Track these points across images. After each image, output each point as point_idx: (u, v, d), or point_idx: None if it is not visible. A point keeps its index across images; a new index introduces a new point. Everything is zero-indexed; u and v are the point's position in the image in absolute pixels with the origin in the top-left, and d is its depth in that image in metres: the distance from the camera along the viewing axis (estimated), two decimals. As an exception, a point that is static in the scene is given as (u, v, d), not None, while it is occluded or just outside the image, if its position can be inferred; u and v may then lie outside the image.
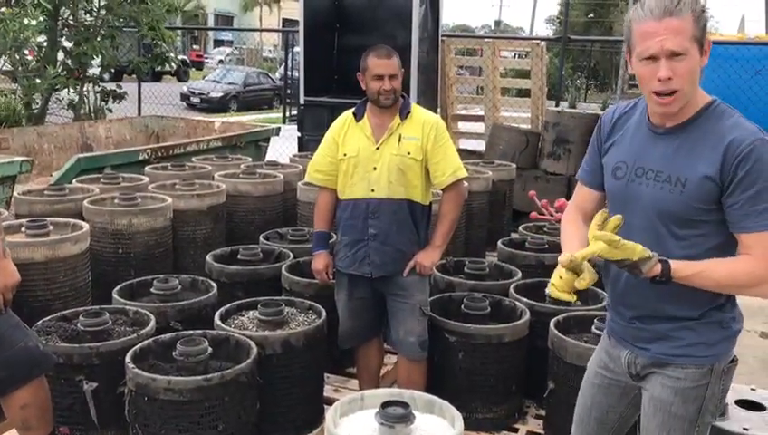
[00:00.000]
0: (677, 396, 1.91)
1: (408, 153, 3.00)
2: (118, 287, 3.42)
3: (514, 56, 12.50)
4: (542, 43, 8.20)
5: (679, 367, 1.91)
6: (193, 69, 30.32)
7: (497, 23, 47.20)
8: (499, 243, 4.37)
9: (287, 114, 16.28)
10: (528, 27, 40.85)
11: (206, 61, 34.87)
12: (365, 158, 3.03)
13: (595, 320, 3.12)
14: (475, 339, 3.18)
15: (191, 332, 2.93)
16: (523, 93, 9.47)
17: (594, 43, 27.31)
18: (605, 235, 1.70)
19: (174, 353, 2.72)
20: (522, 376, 3.34)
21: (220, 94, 21.14)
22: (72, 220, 3.87)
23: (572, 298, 1.80)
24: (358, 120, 3.08)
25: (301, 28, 7.27)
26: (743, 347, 1.99)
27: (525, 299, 3.44)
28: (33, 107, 8.52)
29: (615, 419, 2.13)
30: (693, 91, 1.80)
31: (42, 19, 7.75)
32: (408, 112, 3.05)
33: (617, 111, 2.03)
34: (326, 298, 3.32)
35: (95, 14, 8.59)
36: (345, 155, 3.07)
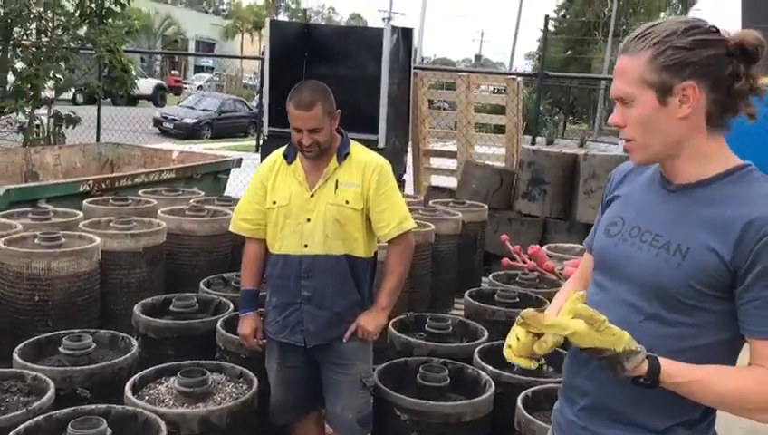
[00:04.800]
0: None
1: (347, 202, 2.58)
2: (21, 345, 2.94)
3: (493, 91, 12.19)
4: (519, 78, 7.92)
5: None
6: (171, 94, 29.97)
7: (477, 57, 47.40)
8: (466, 295, 3.96)
9: (261, 142, 15.86)
10: (508, 63, 41.05)
11: (185, 86, 34.46)
12: (297, 207, 2.60)
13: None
14: (431, 418, 2.72)
15: (92, 407, 2.46)
16: (500, 129, 9.14)
17: (572, 79, 27.47)
18: (586, 309, 1.32)
19: (65, 437, 2.25)
20: (484, 459, 2.90)
21: (194, 120, 20.66)
22: (-21, 264, 3.41)
23: (532, 364, 1.46)
24: (289, 163, 2.66)
25: (266, 56, 6.97)
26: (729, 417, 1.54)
27: (491, 368, 3.02)
28: (-21, 131, 8.02)
29: None
30: (661, 145, 1.42)
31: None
32: (347, 154, 2.64)
33: (630, 165, 1.63)
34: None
35: (50, 35, 8.11)
36: (274, 203, 2.65)
